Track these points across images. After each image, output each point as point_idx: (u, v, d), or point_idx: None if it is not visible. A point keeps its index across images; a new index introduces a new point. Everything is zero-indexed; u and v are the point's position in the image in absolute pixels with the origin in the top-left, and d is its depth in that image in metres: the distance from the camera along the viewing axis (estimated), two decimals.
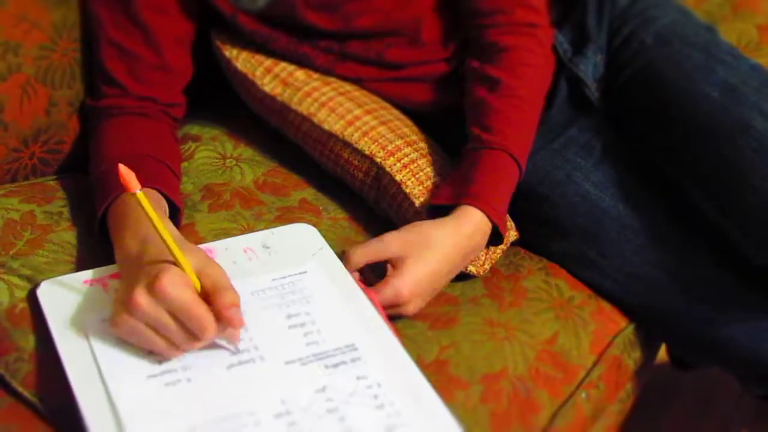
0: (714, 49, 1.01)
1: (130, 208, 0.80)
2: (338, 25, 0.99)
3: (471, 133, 0.94)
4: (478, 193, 0.88)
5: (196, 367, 0.72)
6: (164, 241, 0.72)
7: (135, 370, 0.71)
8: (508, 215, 0.98)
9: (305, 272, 0.83)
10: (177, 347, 0.71)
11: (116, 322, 0.71)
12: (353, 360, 0.74)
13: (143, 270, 0.72)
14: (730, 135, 0.92)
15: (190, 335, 0.70)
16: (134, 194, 0.72)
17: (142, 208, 0.72)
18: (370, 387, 0.72)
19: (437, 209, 0.90)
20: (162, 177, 0.88)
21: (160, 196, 0.85)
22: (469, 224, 0.86)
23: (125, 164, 0.73)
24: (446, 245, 0.84)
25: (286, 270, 0.83)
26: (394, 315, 0.83)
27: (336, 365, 0.74)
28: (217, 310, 0.70)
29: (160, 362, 0.72)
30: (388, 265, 0.85)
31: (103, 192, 0.85)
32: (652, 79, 1.01)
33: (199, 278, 0.72)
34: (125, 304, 0.70)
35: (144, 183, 0.84)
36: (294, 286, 0.81)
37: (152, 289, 0.69)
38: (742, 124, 0.92)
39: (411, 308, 0.83)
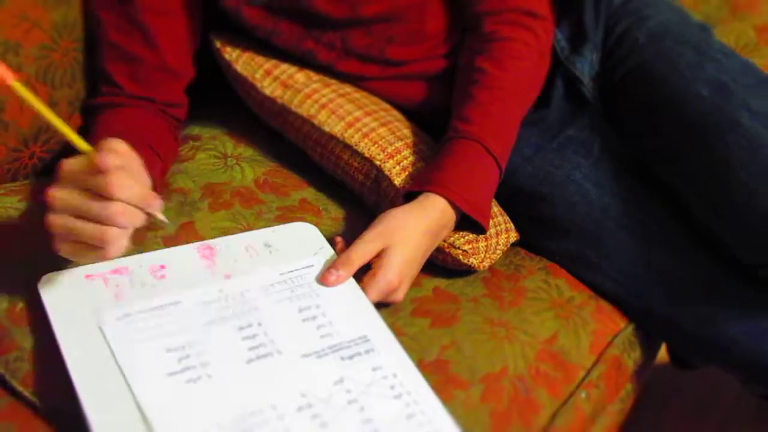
0: (705, 46, 1.00)
1: None
2: (345, 13, 0.98)
3: (450, 122, 0.95)
4: (441, 180, 0.89)
5: (216, 363, 0.72)
6: (52, 123, 0.69)
7: (154, 368, 0.71)
8: (505, 215, 0.98)
9: (311, 266, 0.84)
10: (109, 228, 0.69)
11: (48, 226, 0.69)
12: (367, 351, 0.76)
13: None
14: (719, 132, 0.92)
15: (113, 207, 0.68)
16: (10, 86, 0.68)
17: (22, 97, 0.68)
18: (386, 378, 0.73)
19: (408, 194, 0.91)
20: (143, 156, 0.86)
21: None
22: (433, 209, 0.87)
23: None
24: (417, 230, 0.85)
25: (292, 264, 0.83)
26: (386, 303, 0.84)
27: (351, 357, 0.75)
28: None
29: (178, 359, 0.72)
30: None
31: None
32: (645, 78, 1.01)
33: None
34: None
35: None
36: (302, 280, 0.82)
37: (57, 178, 0.69)
38: (731, 121, 0.92)
39: (401, 294, 0.85)
